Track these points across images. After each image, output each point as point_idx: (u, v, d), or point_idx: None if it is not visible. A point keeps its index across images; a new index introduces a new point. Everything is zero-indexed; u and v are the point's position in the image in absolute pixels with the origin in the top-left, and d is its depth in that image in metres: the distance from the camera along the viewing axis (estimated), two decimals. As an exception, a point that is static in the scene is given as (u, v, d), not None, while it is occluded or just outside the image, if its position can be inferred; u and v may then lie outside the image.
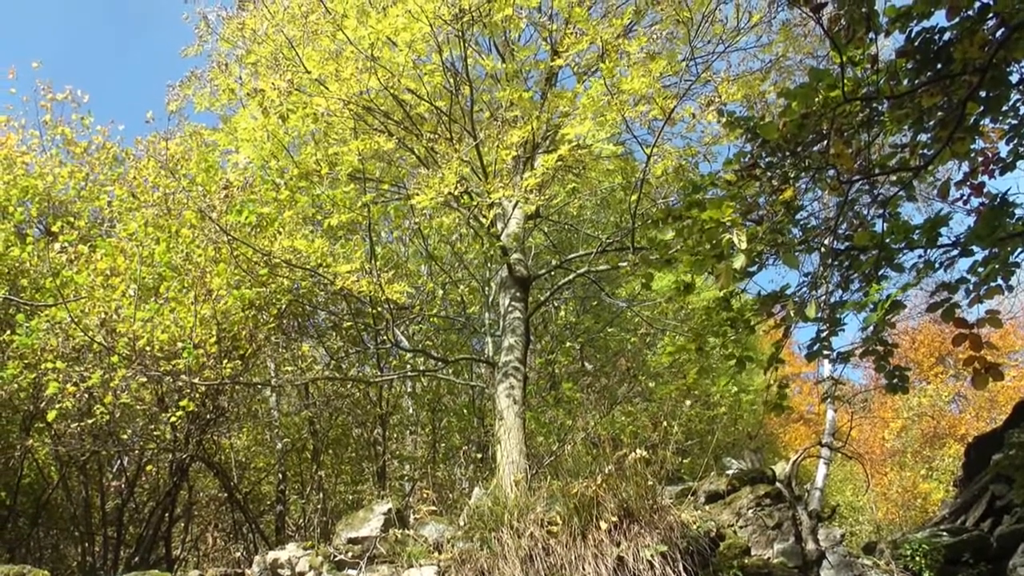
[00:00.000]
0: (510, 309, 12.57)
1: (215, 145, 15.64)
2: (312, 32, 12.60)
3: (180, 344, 12.12)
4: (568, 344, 20.22)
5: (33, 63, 18.94)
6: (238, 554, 16.17)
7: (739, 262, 5.87)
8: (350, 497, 16.98)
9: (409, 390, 19.06)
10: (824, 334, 6.72)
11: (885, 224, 6.26)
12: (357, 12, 11.96)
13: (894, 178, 6.39)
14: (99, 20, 60.17)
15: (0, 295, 13.42)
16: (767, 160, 6.27)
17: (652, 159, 11.23)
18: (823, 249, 6.74)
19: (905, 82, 5.71)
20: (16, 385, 12.64)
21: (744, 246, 5.74)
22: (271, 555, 8.70)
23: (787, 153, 6.07)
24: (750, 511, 9.54)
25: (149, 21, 62.09)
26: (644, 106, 11.43)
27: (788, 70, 13.00)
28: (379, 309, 14.00)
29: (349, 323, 15.63)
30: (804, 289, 6.94)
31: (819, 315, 6.56)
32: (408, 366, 16.58)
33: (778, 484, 10.35)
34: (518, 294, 12.69)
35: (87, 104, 18.19)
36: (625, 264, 13.24)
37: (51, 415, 12.28)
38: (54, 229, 14.50)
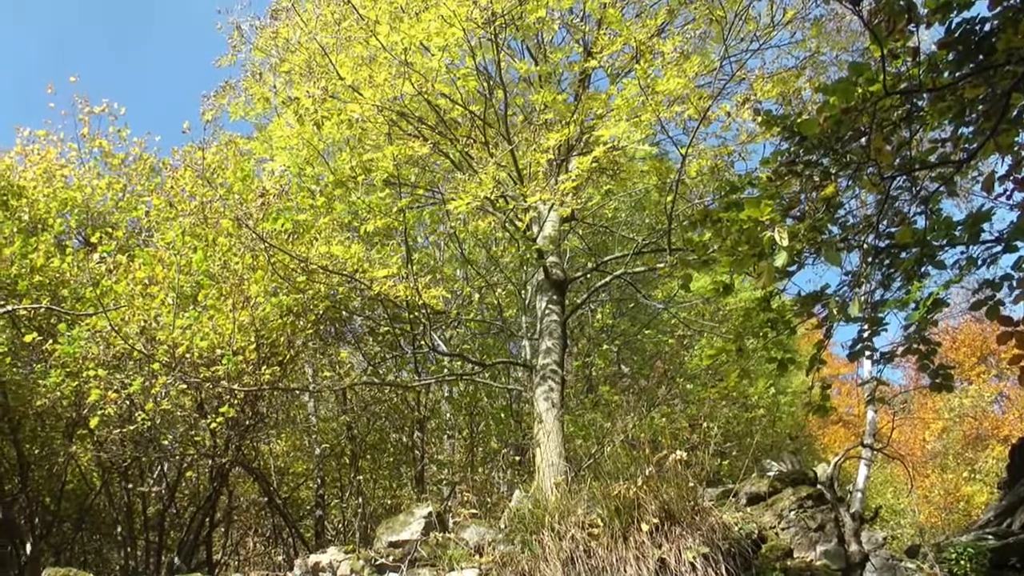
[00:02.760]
0: (547, 312, 12.54)
1: (251, 154, 15.73)
2: (345, 39, 12.61)
3: (219, 351, 12.18)
4: (605, 347, 20.17)
5: (71, 77, 19.14)
6: (280, 558, 16.24)
7: (781, 260, 5.81)
8: (388, 501, 17.01)
9: (446, 394, 19.07)
10: (866, 334, 6.64)
11: (927, 221, 6.19)
12: (390, 18, 11.96)
13: (935, 173, 6.30)
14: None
15: (42, 305, 13.53)
16: (805, 158, 6.21)
17: (687, 159, 11.17)
18: (864, 247, 6.66)
19: (946, 74, 5.64)
20: (59, 393, 12.75)
21: (786, 244, 5.69)
22: (312, 559, 8.72)
23: (828, 149, 6.00)
24: (792, 513, 9.46)
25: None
26: (679, 106, 11.37)
27: (823, 66, 12.89)
28: (416, 314, 14.01)
29: (386, 328, 15.64)
30: (845, 288, 6.87)
31: (861, 314, 6.49)
32: (445, 370, 16.58)
33: (820, 486, 10.26)
34: (555, 297, 12.66)
35: (124, 116, 18.32)
36: (662, 265, 13.18)
37: (93, 422, 12.38)
38: (93, 240, 14.61)
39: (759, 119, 7.25)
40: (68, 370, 12.63)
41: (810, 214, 6.12)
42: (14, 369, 13.37)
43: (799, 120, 6.13)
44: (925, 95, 5.78)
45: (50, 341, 12.72)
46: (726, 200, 6.42)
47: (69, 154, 18.23)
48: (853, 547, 9.33)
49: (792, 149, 6.32)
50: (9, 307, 13.19)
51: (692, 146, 11.31)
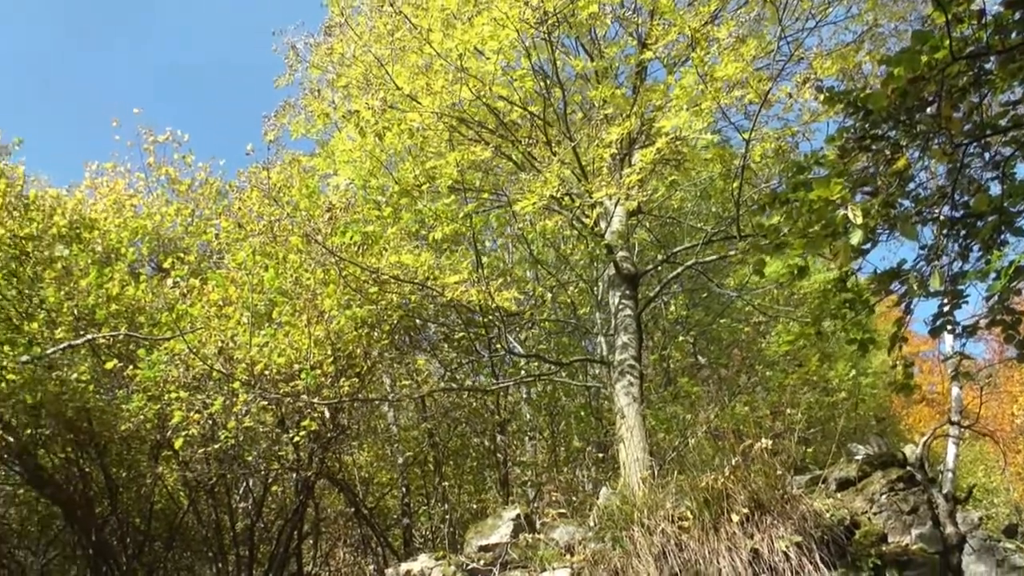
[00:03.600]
0: (620, 307, 12.49)
1: (314, 170, 15.85)
2: (399, 49, 12.67)
3: (297, 366, 12.29)
4: (681, 339, 20.05)
5: (135, 109, 19.46)
6: (370, 568, 16.37)
7: (856, 238, 5.73)
8: (474, 506, 17.05)
9: (525, 396, 19.07)
10: (947, 308, 6.51)
11: (1002, 187, 6.06)
12: (442, 25, 11.99)
13: (1008, 137, 6.16)
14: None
15: (120, 332, 13.75)
16: (872, 132, 6.11)
17: (751, 144, 11.05)
18: (939, 219, 6.53)
19: (1014, 35, 5.51)
20: (142, 416, 12.96)
21: (860, 221, 5.60)
22: (403, 567, 8.76)
23: (896, 122, 5.90)
24: (883, 496, 9.30)
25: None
26: (738, 91, 11.26)
27: (881, 38, 12.70)
28: (490, 317, 14.03)
29: (461, 334, 15.70)
30: (922, 263, 6.74)
31: (941, 288, 6.36)
32: (523, 372, 16.58)
33: (909, 467, 10.08)
34: (627, 292, 12.61)
35: (187, 143, 18.61)
36: (733, 253, 13.07)
37: (178, 443, 12.55)
38: (165, 266, 14.83)
39: (821, 97, 7.16)
40: (150, 394, 12.83)
41: (882, 189, 6.02)
42: (97, 396, 13.60)
43: (863, 95, 6.03)
44: (993, 58, 5.66)
45: (130, 367, 12.93)
46: (794, 181, 6.33)
47: (137, 184, 18.56)
48: (949, 529, 9.15)
49: (858, 125, 6.22)
50: (89, 336, 13.42)
51: (755, 130, 11.17)
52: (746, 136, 10.67)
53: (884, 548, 8.03)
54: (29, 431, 13.92)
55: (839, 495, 8.56)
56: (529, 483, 17.41)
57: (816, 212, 6.06)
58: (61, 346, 13.01)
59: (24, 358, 12.90)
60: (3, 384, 12.85)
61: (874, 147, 6.07)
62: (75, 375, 13.19)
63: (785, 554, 7.31)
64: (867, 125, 6.11)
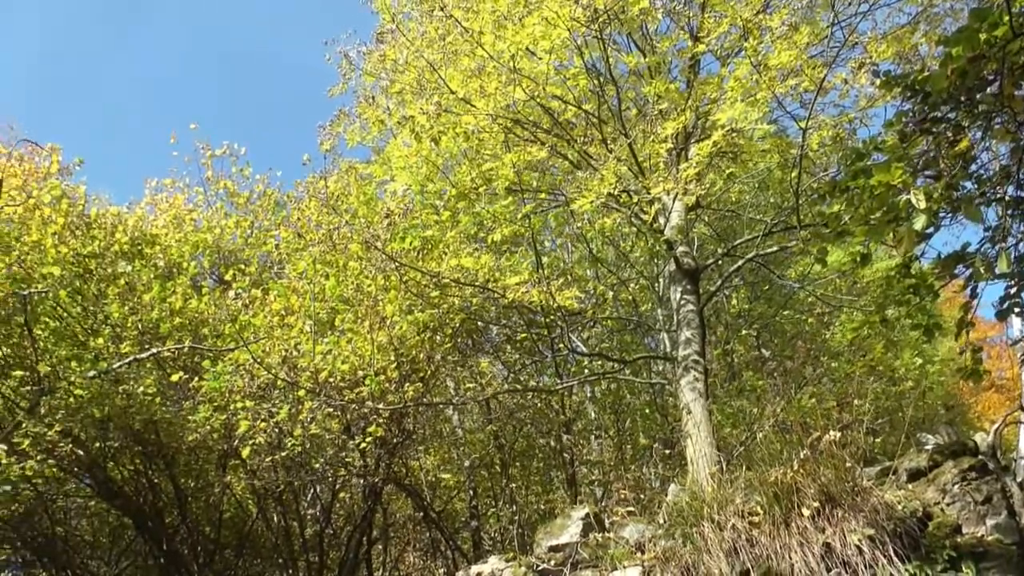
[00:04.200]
0: (682, 303, 12.42)
1: (371, 177, 15.93)
2: (451, 53, 12.70)
3: (361, 372, 12.35)
4: (744, 332, 19.92)
5: (191, 125, 19.75)
6: (440, 571, 16.42)
7: (920, 223, 5.64)
8: (542, 507, 17.04)
9: (590, 395, 19.04)
10: (1014, 290, 6.41)
11: (1068, 165, 5.95)
12: (493, 27, 12.00)
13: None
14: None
15: (185, 345, 13.91)
16: (932, 114, 6.02)
17: (807, 132, 10.94)
18: (1005, 199, 6.42)
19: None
20: (209, 427, 13.09)
21: (923, 205, 5.52)
22: (474, 569, 8.77)
23: (956, 103, 5.82)
24: (955, 486, 9.13)
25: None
26: (793, 79, 11.16)
27: (937, 18, 12.49)
28: (552, 317, 14.02)
29: (523, 334, 15.69)
30: (987, 245, 6.63)
31: (1009, 270, 6.25)
32: (586, 371, 16.55)
33: (981, 456, 9.89)
34: (688, 287, 12.54)
35: (244, 156, 18.85)
36: (793, 243, 12.96)
37: (245, 452, 12.67)
38: (227, 278, 15.00)
39: (878, 82, 7.06)
40: (216, 404, 12.96)
41: (945, 172, 5.93)
42: (163, 408, 13.77)
43: (922, 77, 5.95)
44: (1055, 32, 5.55)
45: (195, 379, 13.08)
46: (853, 168, 6.26)
47: (196, 198, 18.81)
48: (1025, 519, 8.98)
49: (917, 108, 6.14)
50: (154, 350, 13.59)
51: (811, 118, 11.06)
52: (802, 125, 10.57)
53: (959, 540, 7.90)
54: (98, 444, 14.13)
55: (910, 486, 8.43)
56: (596, 482, 17.37)
57: (877, 198, 5.99)
58: (127, 360, 13.18)
59: (91, 373, 13.09)
60: (71, 399, 13.07)
61: (935, 130, 5.98)
62: (141, 388, 13.36)
63: (858, 548, 7.22)
64: (926, 108, 6.03)
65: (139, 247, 14.63)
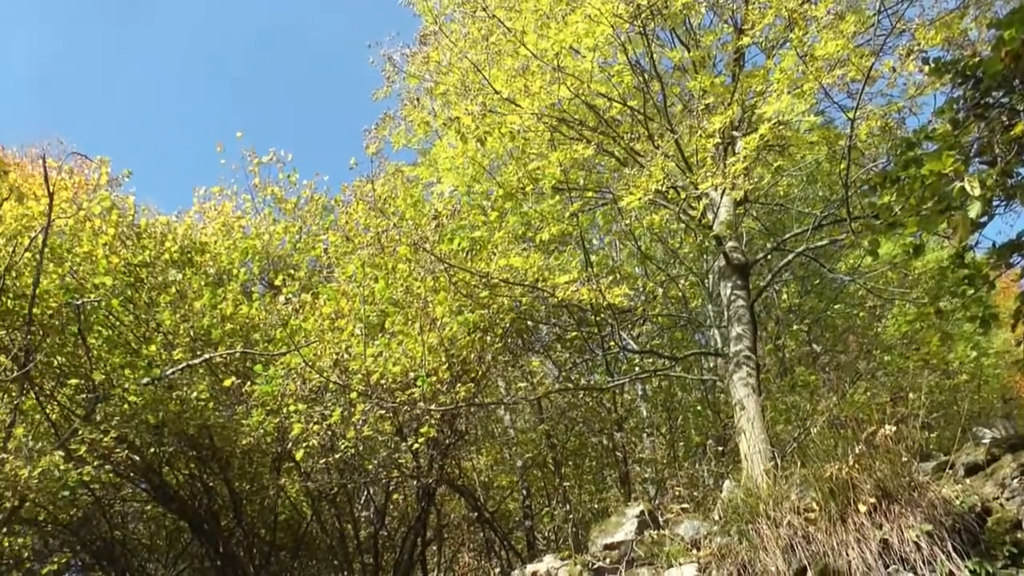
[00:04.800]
0: (733, 298, 12.34)
1: (418, 179, 15.98)
2: (495, 53, 12.69)
3: (412, 374, 12.38)
4: (795, 327, 19.76)
5: (237, 133, 19.95)
6: (495, 571, 16.43)
7: (975, 211, 5.56)
8: (595, 506, 17.00)
9: (641, 393, 18.98)
10: (1071, 278, 6.31)
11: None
12: (536, 26, 11.99)
13: None
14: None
15: (236, 350, 14.04)
16: (984, 100, 5.93)
17: (856, 123, 10.82)
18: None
19: None
20: (262, 430, 13.20)
21: (978, 193, 5.44)
22: (529, 568, 8.76)
23: (1011, 87, 5.73)
24: (1015, 481, 8.97)
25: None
26: (840, 69, 11.02)
27: (987, 2, 12.31)
28: (602, 315, 13.98)
29: (574, 333, 15.67)
30: (1043, 234, 6.52)
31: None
32: (637, 368, 16.49)
33: (1040, 449, 9.73)
34: (739, 282, 12.45)
35: (291, 162, 18.99)
36: (844, 236, 12.83)
37: (298, 454, 12.74)
38: (277, 283, 15.12)
39: (927, 69, 6.98)
40: (268, 408, 13.06)
41: (999, 158, 5.84)
42: (216, 413, 13.90)
43: (973, 62, 5.87)
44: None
45: (247, 383, 13.19)
46: (904, 158, 6.19)
47: (244, 205, 18.98)
48: (1087, 513, 8.80)
49: (968, 94, 6.06)
50: (206, 356, 13.72)
51: (859, 108, 10.92)
52: (850, 115, 10.45)
53: (1019, 535, 7.77)
54: (153, 450, 14.28)
55: (968, 481, 8.30)
56: (649, 480, 17.31)
57: (929, 188, 5.92)
58: (179, 366, 13.33)
59: (144, 380, 13.25)
60: (126, 406, 13.23)
61: (988, 115, 5.90)
62: (194, 394, 13.50)
63: (916, 544, 7.12)
64: (979, 93, 5.95)
65: (189, 255, 14.78)
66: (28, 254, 12.75)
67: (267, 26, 61.92)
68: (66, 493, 12.71)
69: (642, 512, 8.66)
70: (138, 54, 57.63)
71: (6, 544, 16.12)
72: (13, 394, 12.95)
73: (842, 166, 11.34)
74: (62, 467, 11.71)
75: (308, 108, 61.62)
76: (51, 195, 12.32)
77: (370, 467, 14.44)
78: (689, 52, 13.20)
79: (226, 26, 61.46)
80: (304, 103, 64.21)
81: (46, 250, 12.51)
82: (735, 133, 13.00)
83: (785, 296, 20.37)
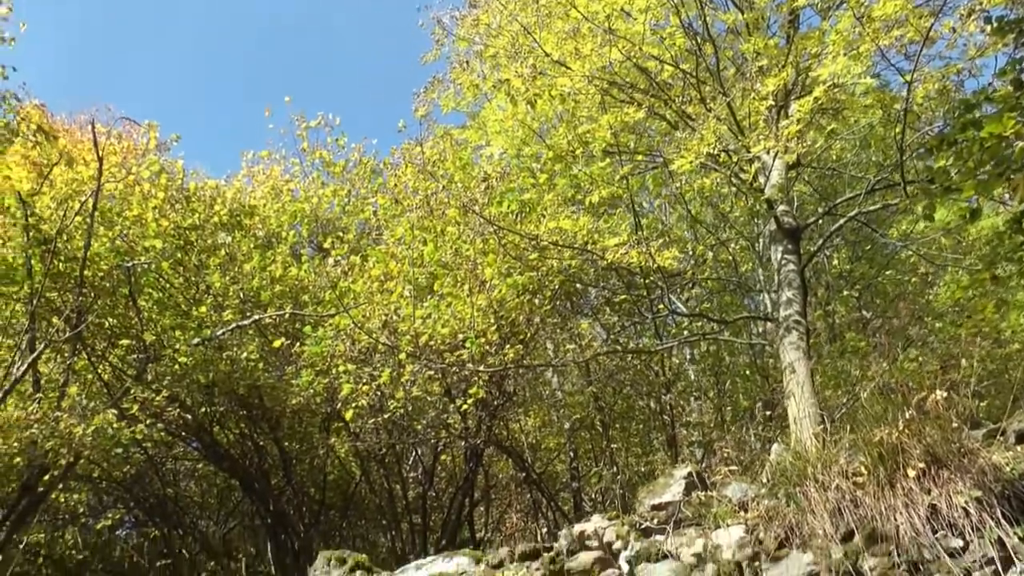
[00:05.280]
0: (783, 262, 12.26)
1: (467, 142, 15.98)
2: (545, 15, 12.65)
3: (461, 335, 12.44)
4: (845, 293, 19.63)
5: (286, 98, 20.04)
6: (543, 531, 16.54)
7: (1036, 172, 5.49)
8: (642, 468, 17.05)
9: (689, 357, 18.96)
10: None
11: None
12: (587, -13, 11.91)
13: None
14: None
15: (286, 312, 14.17)
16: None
17: (912, 85, 10.67)
18: None
19: None
20: (312, 391, 13.33)
21: (1039, 154, 5.37)
22: (577, 528, 8.78)
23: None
24: (1066, 448, 8.91)
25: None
26: (898, 31, 10.85)
27: (1052, -41, 12.07)
28: (651, 279, 13.96)
29: (623, 296, 15.65)
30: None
31: None
32: (686, 332, 16.46)
33: (1092, 417, 9.61)
34: (789, 246, 12.36)
35: (339, 126, 19.05)
36: (898, 200, 12.70)
37: (348, 414, 12.87)
38: (325, 246, 15.23)
39: (989, 29, 6.87)
40: (317, 368, 13.19)
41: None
42: (266, 374, 14.06)
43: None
44: None
45: (297, 344, 13.32)
46: (962, 120, 6.10)
47: (293, 169, 19.12)
48: None
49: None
50: (255, 317, 13.87)
51: (916, 71, 10.78)
52: (907, 78, 10.32)
53: (1070, 501, 7.71)
54: (204, 409, 14.51)
55: (1018, 448, 8.21)
56: (696, 443, 17.32)
57: (988, 151, 5.84)
58: (229, 327, 13.49)
59: (195, 341, 13.43)
60: (176, 366, 13.43)
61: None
62: (244, 354, 13.68)
63: (964, 510, 7.07)
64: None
65: (238, 218, 14.92)
66: (79, 218, 12.92)
67: (316, -12, 61.78)
68: (119, 451, 12.95)
69: (690, 474, 8.66)
70: (184, 19, 57.68)
71: (62, 500, 16.50)
72: (66, 354, 13.18)
73: (897, 130, 11.19)
74: (115, 425, 11.92)
75: (356, 71, 61.59)
76: (100, 159, 12.47)
77: (419, 428, 14.56)
78: (743, 14, 13.05)
79: (275, -13, 61.38)
80: (353, 66, 64.18)
81: (96, 214, 12.67)
82: (789, 96, 12.88)
83: (836, 261, 20.22)
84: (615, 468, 15.94)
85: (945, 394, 8.00)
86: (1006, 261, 7.54)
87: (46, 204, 13.33)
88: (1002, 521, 6.91)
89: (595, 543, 8.61)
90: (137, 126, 15.74)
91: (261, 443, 16.08)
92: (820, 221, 14.78)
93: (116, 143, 15.25)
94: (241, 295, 14.44)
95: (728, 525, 8.04)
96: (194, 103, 57.66)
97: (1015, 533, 6.77)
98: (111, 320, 13.87)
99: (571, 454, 18.10)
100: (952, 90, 12.43)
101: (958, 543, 6.97)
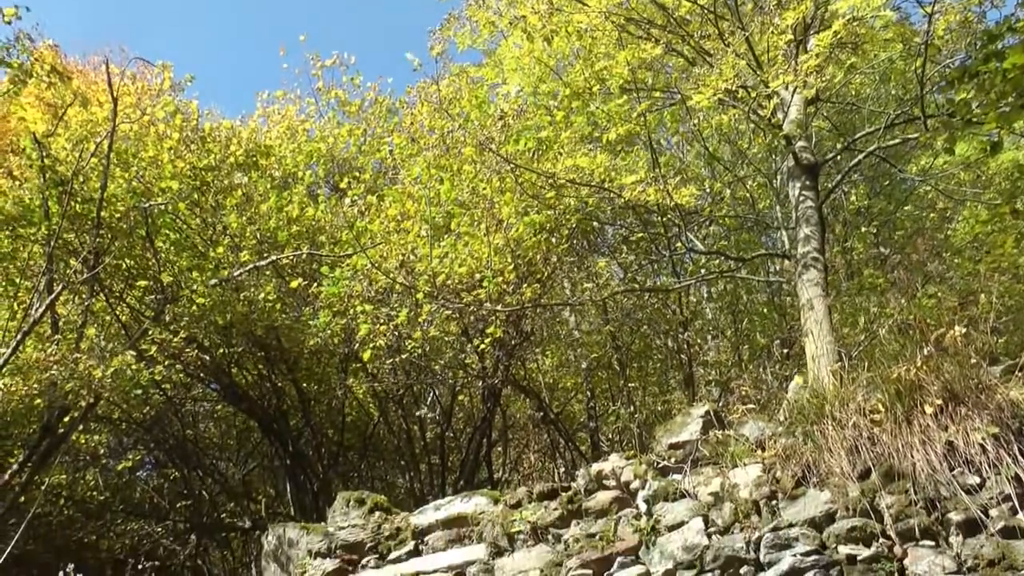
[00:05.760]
0: (801, 199, 12.16)
1: (483, 80, 15.87)
2: (563, -50, 12.50)
3: (478, 275, 12.43)
4: (863, 229, 19.51)
5: (300, 37, 19.88)
6: (560, 471, 16.63)
7: (1060, 104, 5.41)
8: (659, 408, 17.08)
9: (706, 295, 18.91)
10: None
11: None
12: (604, -78, 11.75)
13: None
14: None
15: (302, 252, 14.18)
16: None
17: (933, 17, 10.51)
18: None
19: None
20: (329, 331, 13.37)
21: (1063, 86, 5.29)
22: (595, 467, 8.82)
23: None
24: (1086, 384, 8.85)
25: None
26: (919, -38, 10.71)
27: None
28: (668, 216, 13.90)
29: (640, 234, 15.60)
30: None
31: None
32: (703, 270, 16.41)
33: (1110, 352, 9.53)
34: (807, 182, 12.26)
35: (354, 65, 18.90)
36: (917, 135, 12.56)
37: (366, 355, 12.87)
38: (342, 186, 15.22)
39: (1012, -40, 6.75)
40: (335, 309, 13.22)
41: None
42: (283, 315, 14.10)
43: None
44: None
45: (314, 284, 13.34)
46: (985, 52, 6.01)
47: (308, 109, 19.02)
48: None
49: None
50: (273, 257, 13.88)
51: (937, 2, 10.61)
52: (928, 10, 10.16)
53: (1088, 437, 7.68)
54: (222, 350, 14.57)
55: (1037, 384, 8.19)
56: (714, 382, 17.32)
57: (1011, 82, 5.76)
58: (246, 268, 13.50)
59: (212, 282, 13.45)
60: (194, 307, 13.49)
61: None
62: (262, 295, 13.71)
63: (982, 446, 7.06)
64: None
65: (254, 159, 14.88)
66: (94, 159, 12.90)
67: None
68: (138, 392, 13.04)
69: (707, 412, 8.66)
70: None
71: (83, 441, 16.64)
72: (84, 296, 13.23)
73: (918, 63, 11.03)
74: (134, 367, 11.97)
75: (371, 9, 61.07)
76: (115, 100, 12.43)
77: (436, 368, 14.59)
78: (761, -54, 12.88)
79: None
80: (368, 3, 63.62)
81: (112, 155, 12.65)
82: (808, 31, 12.71)
83: (854, 198, 20.08)
84: (632, 407, 15.94)
85: (963, 330, 7.97)
86: (1026, 196, 7.46)
87: (61, 145, 13.33)
88: (1019, 458, 6.90)
89: (612, 482, 8.65)
90: (151, 67, 15.66)
91: (279, 384, 16.16)
92: (838, 157, 14.65)
93: (130, 84, 15.18)
94: (258, 236, 14.44)
95: (745, 464, 8.06)
96: (208, 44, 57.28)
97: (1032, 470, 6.77)
98: (128, 261, 13.91)
99: (588, 394, 18.12)
100: (974, 21, 12.26)
101: (975, 480, 6.97)
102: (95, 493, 17.88)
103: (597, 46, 13.19)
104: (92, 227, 12.76)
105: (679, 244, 14.82)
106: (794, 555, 7.06)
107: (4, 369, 11.44)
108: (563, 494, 8.77)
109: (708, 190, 17.75)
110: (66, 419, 12.58)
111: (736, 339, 18.50)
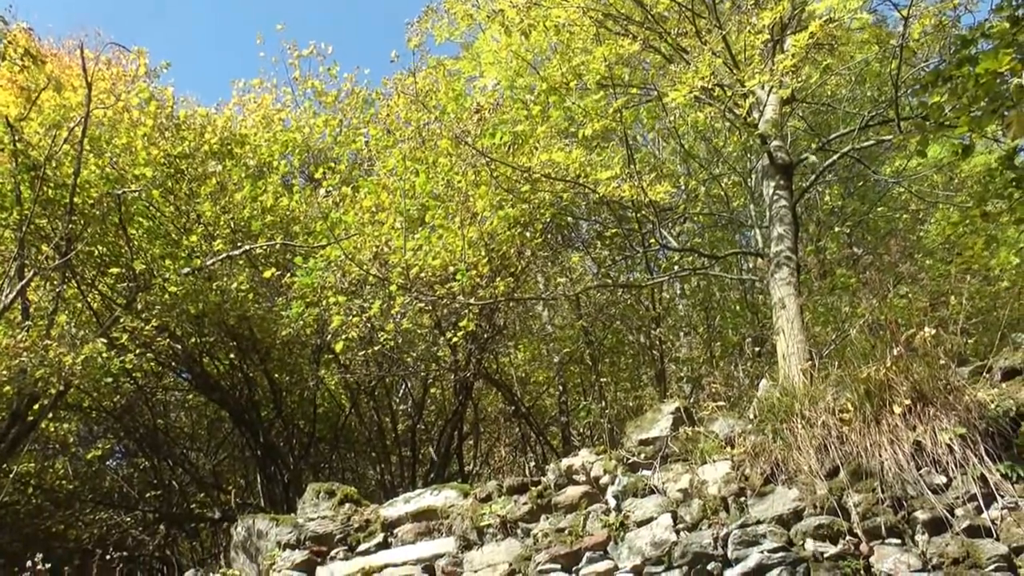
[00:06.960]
0: (775, 198, 12.22)
1: (460, 73, 15.85)
2: (541, -56, 12.48)
3: (452, 268, 12.43)
4: (837, 229, 19.62)
5: (277, 25, 19.80)
6: (530, 464, 16.65)
7: (1032, 108, 5.46)
8: (630, 403, 17.13)
9: (679, 291, 18.98)
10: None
11: None
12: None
13: None
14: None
15: (276, 242, 14.14)
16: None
17: (909, 20, 10.57)
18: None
19: None
20: (302, 322, 13.34)
21: (1034, 91, 5.34)
22: (564, 462, 8.84)
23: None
24: (1051, 386, 8.92)
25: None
26: (895, -35, 10.77)
27: None
28: (643, 213, 13.93)
29: (614, 230, 15.63)
30: (1098, 137, 6.38)
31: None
32: (676, 267, 16.46)
33: (1078, 354, 9.62)
34: (782, 182, 12.31)
35: (331, 55, 18.83)
36: (891, 136, 12.64)
37: (338, 346, 12.87)
38: (317, 176, 15.16)
39: (987, -35, 6.80)
40: (308, 300, 13.19)
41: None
42: (256, 304, 14.07)
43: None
44: None
45: (287, 275, 13.30)
46: (958, 56, 6.06)
47: (284, 98, 18.96)
48: (1124, 417, 8.72)
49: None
50: (246, 247, 13.83)
51: (913, 6, 10.67)
52: (904, 13, 10.22)
53: (1053, 439, 7.75)
54: (194, 339, 14.54)
55: (1004, 385, 8.24)
56: (685, 379, 17.38)
57: (983, 87, 5.81)
58: (219, 257, 13.45)
59: (185, 270, 13.40)
60: (166, 296, 13.44)
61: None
62: (235, 285, 13.69)
63: (949, 446, 7.12)
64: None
65: (229, 147, 14.82)
66: (68, 144, 12.82)
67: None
68: (109, 380, 12.99)
69: (677, 409, 8.69)
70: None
71: (52, 429, 16.55)
72: (55, 282, 13.16)
73: (893, 65, 11.10)
74: (105, 354, 11.90)
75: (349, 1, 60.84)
76: (89, 85, 12.36)
77: (409, 360, 14.59)
78: (740, -55, 12.92)
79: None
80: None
81: (85, 140, 12.58)
82: (785, 31, 12.77)
83: (828, 198, 20.20)
84: (604, 402, 15.98)
85: (933, 331, 8.02)
86: (997, 198, 7.52)
87: (34, 130, 13.25)
88: (985, 458, 6.96)
89: (583, 477, 8.67)
90: (126, 52, 15.55)
91: (251, 374, 16.12)
92: (813, 157, 14.72)
93: (105, 69, 15.07)
94: (232, 225, 14.40)
95: (715, 460, 8.10)
96: (185, 31, 56.95)
97: (997, 470, 6.83)
98: (101, 248, 13.84)
99: (560, 388, 18.17)
100: (949, 26, 12.33)
101: (941, 479, 7.03)
102: (64, 482, 17.82)
103: (575, 41, 13.20)
104: (64, 213, 12.69)
105: (653, 240, 14.83)
106: (761, 552, 7.10)
107: (-27, 355, 11.36)
108: (533, 488, 8.79)
109: (683, 187, 17.82)
110: (36, 406, 12.50)
111: (708, 336, 18.59)
